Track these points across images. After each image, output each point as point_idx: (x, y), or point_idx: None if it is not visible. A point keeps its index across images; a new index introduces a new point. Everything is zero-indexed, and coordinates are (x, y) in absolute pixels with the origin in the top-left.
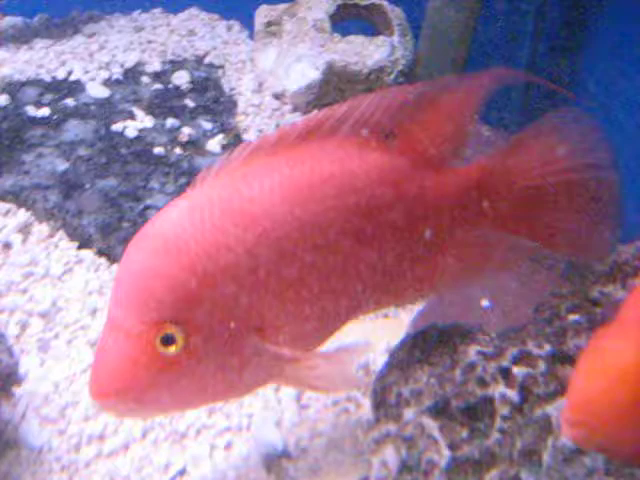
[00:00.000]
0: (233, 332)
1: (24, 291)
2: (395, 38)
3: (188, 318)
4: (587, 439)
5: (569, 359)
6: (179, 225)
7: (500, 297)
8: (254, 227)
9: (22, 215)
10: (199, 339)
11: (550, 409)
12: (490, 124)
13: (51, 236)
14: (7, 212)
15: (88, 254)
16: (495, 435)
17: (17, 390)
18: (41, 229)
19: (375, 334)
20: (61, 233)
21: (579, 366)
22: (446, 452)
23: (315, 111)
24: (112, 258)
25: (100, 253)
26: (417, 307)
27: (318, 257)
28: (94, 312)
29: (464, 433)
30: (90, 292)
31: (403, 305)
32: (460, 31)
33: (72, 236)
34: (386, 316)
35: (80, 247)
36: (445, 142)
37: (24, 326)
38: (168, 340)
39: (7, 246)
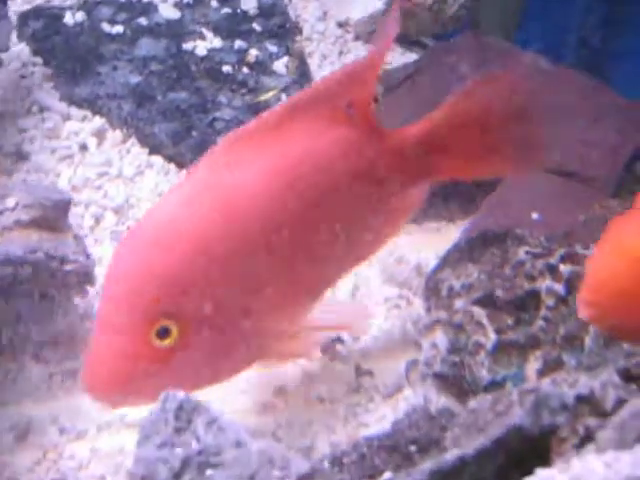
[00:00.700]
0: (224, 319)
1: (99, 187)
2: None
3: (181, 310)
4: (600, 318)
5: None
6: (168, 220)
7: (548, 210)
8: (240, 216)
9: (97, 121)
10: (192, 329)
11: None
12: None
13: (124, 142)
14: (84, 118)
15: (158, 159)
16: (539, 323)
17: (91, 289)
18: (115, 135)
19: (424, 244)
20: (133, 139)
21: (597, 251)
22: (492, 336)
23: None
24: (181, 164)
25: (170, 159)
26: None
27: (300, 237)
28: None
29: (510, 321)
30: (159, 193)
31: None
32: None
33: (143, 142)
34: (437, 230)
35: (151, 153)
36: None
37: (98, 219)
38: (163, 333)
39: (83, 147)
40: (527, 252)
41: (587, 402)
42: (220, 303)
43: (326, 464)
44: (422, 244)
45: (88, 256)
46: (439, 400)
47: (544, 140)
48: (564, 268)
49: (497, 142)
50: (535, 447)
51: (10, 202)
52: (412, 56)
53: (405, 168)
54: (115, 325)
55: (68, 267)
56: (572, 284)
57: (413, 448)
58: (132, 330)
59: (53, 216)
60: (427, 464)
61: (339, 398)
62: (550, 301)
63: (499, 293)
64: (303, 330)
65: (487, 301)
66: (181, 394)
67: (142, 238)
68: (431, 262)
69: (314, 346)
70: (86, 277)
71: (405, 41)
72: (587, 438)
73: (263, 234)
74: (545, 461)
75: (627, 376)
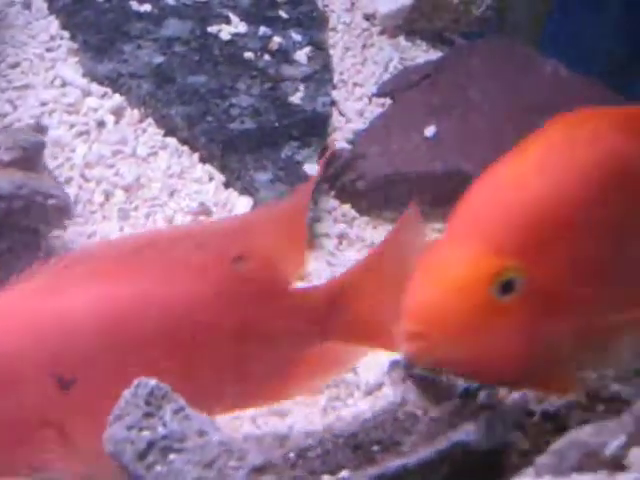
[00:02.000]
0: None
1: (111, 165)
2: None
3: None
4: (428, 349)
5: None
6: None
7: None
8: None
9: (117, 99)
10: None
11: None
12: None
13: (141, 121)
14: (104, 95)
15: (172, 141)
16: None
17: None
18: (133, 114)
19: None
20: (150, 120)
21: (415, 277)
22: None
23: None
24: (194, 147)
25: (184, 142)
26: None
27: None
28: (172, 193)
29: None
30: (171, 175)
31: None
32: None
33: (160, 123)
34: (439, 230)
35: (166, 134)
36: (285, 263)
37: (108, 196)
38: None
39: (101, 124)
40: None
41: (551, 420)
42: None
43: (292, 455)
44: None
45: (65, 192)
46: (417, 401)
47: None
48: None
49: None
50: (486, 460)
51: None
52: (436, 53)
53: (300, 329)
54: None
55: (51, 201)
56: None
57: (376, 448)
58: None
59: (31, 157)
60: (372, 469)
61: (320, 390)
62: None
63: None
64: None
65: None
66: (153, 381)
67: None
68: None
69: None
70: (65, 211)
71: (430, 37)
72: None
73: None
74: (497, 474)
75: (594, 396)
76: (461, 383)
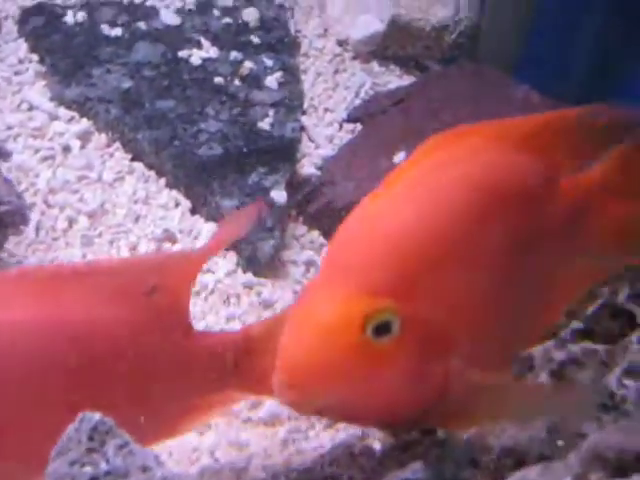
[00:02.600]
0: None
1: (76, 191)
2: (462, 0)
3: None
4: (303, 400)
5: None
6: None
7: None
8: None
9: (84, 123)
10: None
11: (535, 351)
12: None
13: (108, 146)
14: (71, 119)
15: (139, 166)
16: None
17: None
18: (100, 138)
19: None
20: (117, 144)
21: (288, 325)
22: None
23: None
24: (160, 172)
25: (150, 167)
26: None
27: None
28: (137, 219)
29: None
30: (136, 200)
31: None
32: None
33: (127, 148)
34: None
35: (133, 159)
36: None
37: (71, 222)
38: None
39: (66, 149)
40: None
41: (510, 455)
42: None
43: None
44: None
45: (20, 197)
46: (377, 434)
47: None
48: None
49: None
50: None
51: None
52: (409, 78)
53: (203, 373)
54: None
55: (3, 209)
56: None
57: None
58: None
59: None
60: None
61: (281, 422)
62: None
63: None
64: None
65: None
66: (97, 416)
67: None
68: None
69: None
70: (21, 217)
71: (404, 62)
72: None
73: None
74: None
75: (554, 431)
76: None
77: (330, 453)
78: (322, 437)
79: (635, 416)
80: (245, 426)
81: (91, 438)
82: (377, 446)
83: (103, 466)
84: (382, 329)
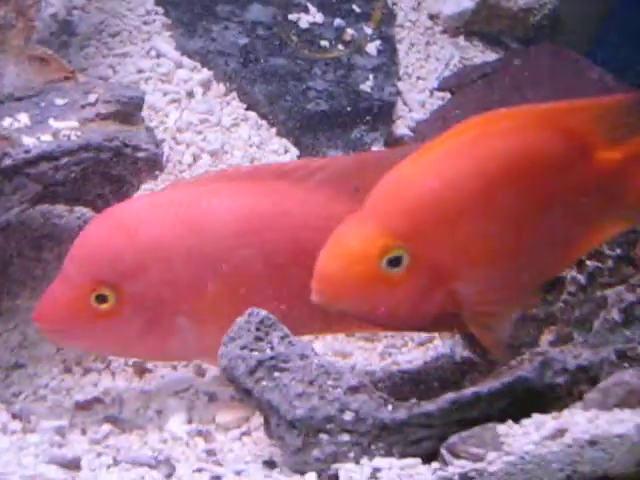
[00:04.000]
0: (162, 309)
1: (199, 132)
2: None
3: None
4: (328, 303)
5: (633, 262)
6: (138, 214)
7: None
8: (198, 236)
9: (205, 73)
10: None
11: (609, 292)
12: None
13: (226, 95)
14: (193, 68)
15: (253, 115)
16: (559, 304)
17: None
18: (219, 87)
19: None
20: (234, 94)
21: (325, 246)
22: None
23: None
24: (272, 122)
25: (263, 117)
26: None
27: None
28: (252, 161)
29: None
30: (251, 144)
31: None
32: None
33: (242, 98)
34: None
35: (247, 108)
36: None
37: (196, 158)
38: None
39: (190, 94)
40: None
41: (585, 372)
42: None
43: (366, 380)
44: None
45: (157, 145)
46: (462, 352)
47: None
48: (589, 263)
49: None
50: (536, 398)
51: (92, 97)
52: (491, 54)
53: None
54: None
55: (140, 154)
56: (593, 276)
57: (436, 384)
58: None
59: (128, 110)
60: (449, 395)
61: (379, 338)
62: (572, 288)
63: None
64: None
65: None
66: (263, 312)
67: (110, 219)
68: None
69: None
70: (155, 164)
71: (487, 39)
72: (579, 399)
73: (209, 257)
74: (543, 410)
75: (623, 356)
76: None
77: (435, 360)
78: (414, 353)
79: None
80: (348, 340)
81: (258, 329)
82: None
83: (268, 352)
84: (394, 262)
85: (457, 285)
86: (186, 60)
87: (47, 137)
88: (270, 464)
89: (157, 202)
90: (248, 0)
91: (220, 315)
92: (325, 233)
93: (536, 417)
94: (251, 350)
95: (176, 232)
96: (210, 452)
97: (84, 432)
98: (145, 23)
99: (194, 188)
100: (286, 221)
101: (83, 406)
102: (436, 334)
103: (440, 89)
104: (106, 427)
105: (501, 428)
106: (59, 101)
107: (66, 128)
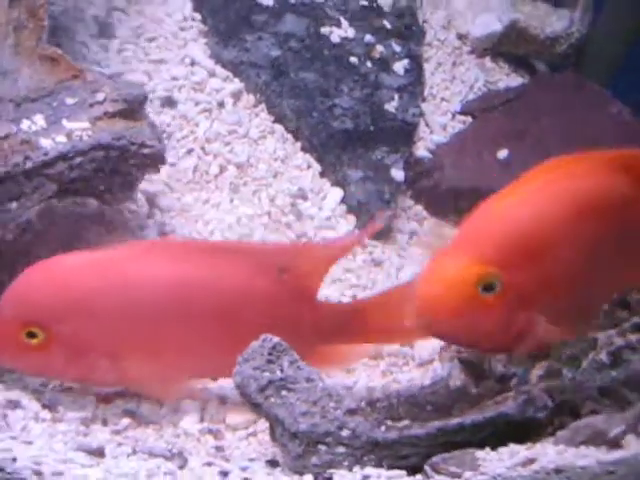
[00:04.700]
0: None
1: (227, 143)
2: (577, 14)
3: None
4: (430, 326)
5: (628, 305)
6: (70, 266)
7: None
8: (120, 290)
9: (237, 83)
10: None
11: (600, 335)
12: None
13: (255, 106)
14: (226, 78)
15: (280, 128)
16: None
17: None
18: (249, 99)
19: None
20: (263, 106)
21: (420, 279)
22: None
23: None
24: (297, 137)
25: (289, 130)
26: None
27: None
28: (276, 175)
29: None
30: (276, 158)
31: None
32: None
33: (271, 111)
34: None
35: (275, 121)
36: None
37: (222, 169)
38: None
39: (221, 105)
40: None
41: (569, 406)
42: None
43: (363, 404)
44: None
45: (160, 141)
46: (459, 377)
47: None
48: None
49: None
50: (518, 429)
51: (100, 96)
52: (516, 77)
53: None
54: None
55: (146, 151)
56: None
57: (429, 407)
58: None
59: (133, 108)
60: (436, 422)
61: (382, 357)
62: None
63: None
64: None
65: None
66: (276, 338)
67: (52, 266)
68: None
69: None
70: (160, 158)
71: (513, 61)
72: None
73: (126, 310)
74: (522, 440)
75: (605, 394)
76: (500, 369)
77: (431, 386)
78: (414, 372)
79: None
80: None
81: (270, 353)
82: (467, 387)
83: (278, 374)
84: (488, 287)
85: (538, 308)
86: (219, 69)
87: (62, 138)
88: (273, 463)
89: (89, 258)
90: (282, 10)
91: (135, 355)
92: (241, 302)
93: (512, 447)
94: (263, 371)
95: (100, 285)
96: (219, 448)
97: (105, 423)
98: (182, 29)
99: (128, 250)
100: (205, 287)
101: (105, 399)
102: (436, 357)
103: (462, 113)
104: (125, 420)
105: (479, 453)
106: (69, 100)
107: (78, 129)
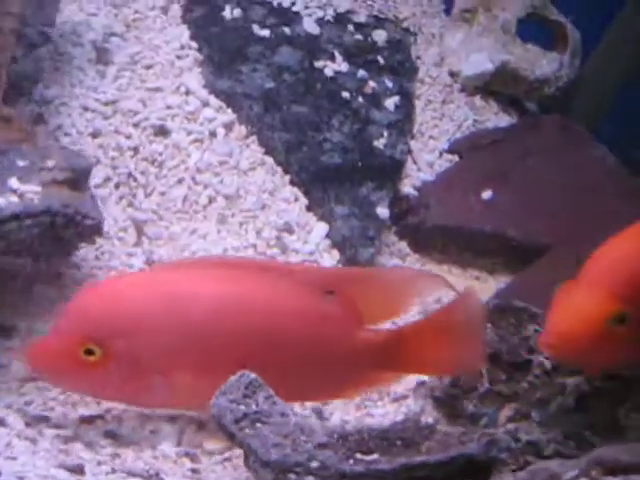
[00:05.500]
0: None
1: (217, 174)
2: (566, 58)
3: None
4: (561, 356)
5: None
6: (129, 286)
7: None
8: (176, 311)
9: (229, 114)
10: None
11: (568, 380)
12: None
13: (246, 137)
14: (219, 108)
15: (270, 160)
16: (524, 385)
17: (99, 240)
18: (240, 130)
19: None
20: (254, 138)
21: (554, 308)
22: (486, 384)
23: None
24: (286, 170)
25: (279, 163)
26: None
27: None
28: (263, 207)
29: (503, 376)
30: (264, 190)
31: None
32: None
33: (261, 143)
34: (477, 278)
35: (265, 153)
36: (376, 311)
37: (211, 200)
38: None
39: (213, 134)
40: (535, 330)
41: (533, 446)
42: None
43: (334, 438)
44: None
45: (101, 214)
46: (431, 414)
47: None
48: None
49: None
50: (481, 468)
51: (50, 163)
52: (504, 118)
53: (363, 358)
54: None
55: (88, 222)
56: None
57: (399, 443)
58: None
59: (79, 178)
60: (402, 458)
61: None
62: (537, 371)
63: (503, 355)
64: None
65: (492, 358)
66: (253, 375)
67: (107, 286)
68: None
69: None
70: (97, 230)
71: (503, 101)
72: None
73: (183, 331)
74: (485, 477)
75: (569, 437)
76: (471, 408)
77: (403, 422)
78: (387, 407)
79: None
80: None
81: (247, 387)
82: (436, 425)
83: (253, 407)
84: (619, 320)
85: None
86: (213, 99)
87: (14, 198)
88: None
89: (147, 278)
90: (278, 42)
91: (190, 378)
92: (286, 322)
93: None
94: (238, 404)
95: (157, 306)
96: (195, 471)
97: (86, 443)
98: (178, 57)
99: (180, 270)
100: (258, 309)
101: (86, 420)
102: (411, 393)
103: (450, 151)
104: (105, 441)
105: None
106: (20, 162)
107: (30, 192)
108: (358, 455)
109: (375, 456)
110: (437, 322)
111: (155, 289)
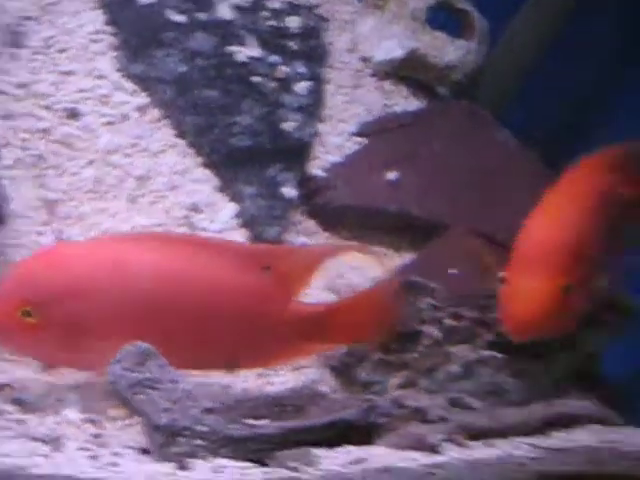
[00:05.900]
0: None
1: (128, 155)
2: (472, 45)
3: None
4: (527, 335)
5: (487, 325)
6: (68, 254)
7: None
8: (113, 278)
9: (143, 98)
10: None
11: (453, 349)
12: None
13: (159, 120)
14: (133, 92)
15: (181, 143)
16: (414, 354)
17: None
18: (154, 113)
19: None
20: (166, 121)
21: (509, 297)
22: (379, 353)
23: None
24: (198, 152)
25: (190, 145)
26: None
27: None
28: (173, 188)
29: (395, 346)
30: (175, 172)
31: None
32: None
33: (173, 125)
34: (384, 255)
35: (177, 136)
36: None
37: (121, 181)
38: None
39: (125, 117)
40: (428, 303)
41: (419, 412)
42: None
43: (221, 404)
44: (365, 265)
45: (5, 202)
46: (329, 382)
47: None
48: (448, 322)
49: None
50: (361, 433)
51: None
52: (414, 102)
53: (293, 329)
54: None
55: None
56: (449, 333)
57: (290, 409)
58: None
59: None
60: (287, 423)
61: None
62: (427, 342)
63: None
64: None
65: None
66: (146, 344)
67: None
68: (364, 282)
69: None
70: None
71: (413, 86)
72: None
73: (113, 295)
74: (365, 443)
75: (454, 404)
76: (364, 376)
77: (296, 390)
78: (288, 375)
79: None
80: None
81: (139, 356)
82: (328, 391)
83: (146, 374)
84: (566, 291)
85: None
86: (126, 83)
87: None
88: (144, 451)
89: (91, 247)
90: (193, 28)
91: (124, 343)
92: (223, 296)
93: (347, 448)
94: (132, 371)
95: (96, 273)
96: (97, 436)
97: None
98: (93, 41)
99: (123, 241)
100: (195, 278)
101: None
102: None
103: (358, 134)
104: (12, 407)
105: (318, 451)
106: None
107: None
108: (249, 420)
109: (266, 421)
110: (360, 301)
111: (96, 257)
